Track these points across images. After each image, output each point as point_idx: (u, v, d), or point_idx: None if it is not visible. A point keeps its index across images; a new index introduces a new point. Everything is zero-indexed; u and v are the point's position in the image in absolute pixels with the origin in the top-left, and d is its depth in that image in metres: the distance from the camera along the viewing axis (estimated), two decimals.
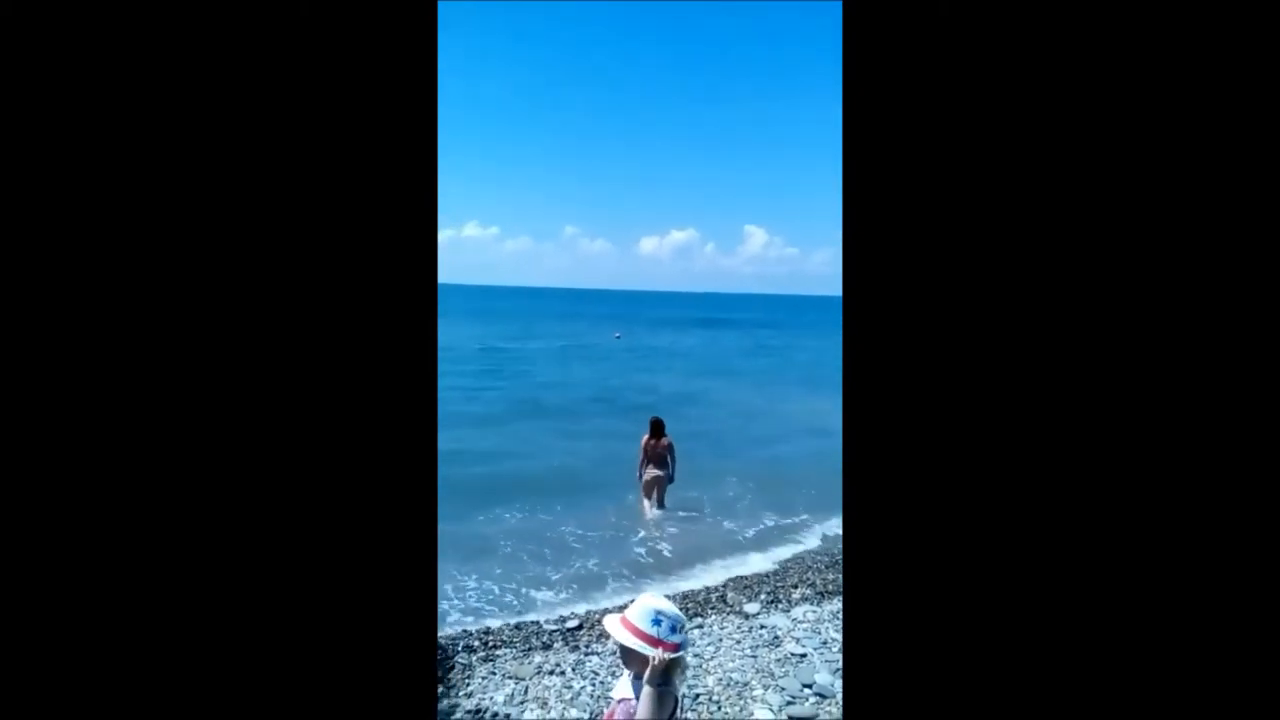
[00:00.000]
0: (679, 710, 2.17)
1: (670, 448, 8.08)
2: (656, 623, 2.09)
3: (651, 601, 2.16)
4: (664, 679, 2.00)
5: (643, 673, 2.09)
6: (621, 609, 2.21)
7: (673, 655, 2.05)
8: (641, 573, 6.59)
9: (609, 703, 3.87)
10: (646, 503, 8.18)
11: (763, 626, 5.02)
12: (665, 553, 7.06)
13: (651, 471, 8.05)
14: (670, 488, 8.24)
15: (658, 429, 8.04)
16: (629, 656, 2.14)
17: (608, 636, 2.07)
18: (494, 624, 5.30)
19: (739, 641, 4.74)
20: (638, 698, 2.08)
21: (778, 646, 4.64)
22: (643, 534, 7.57)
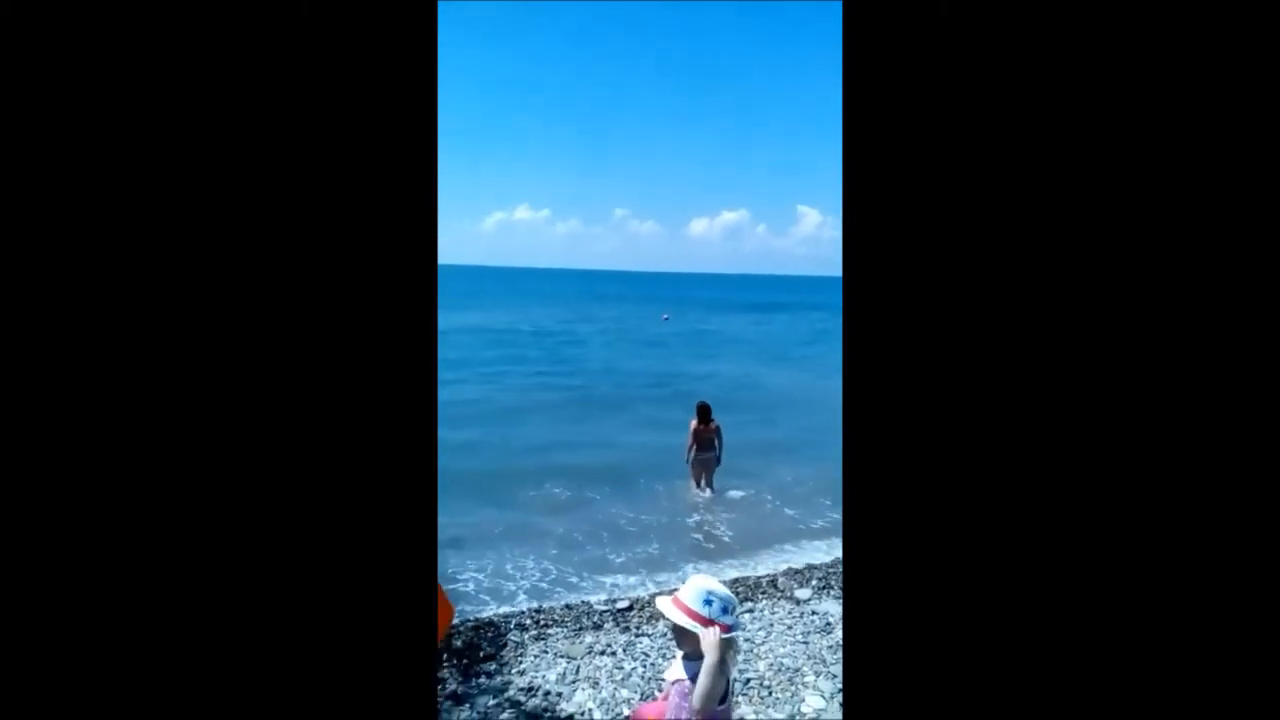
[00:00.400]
0: (730, 694, 2.17)
1: (718, 431, 8.35)
2: (708, 603, 2.10)
3: (703, 582, 2.17)
4: (717, 659, 2.01)
5: (694, 652, 2.10)
6: (673, 590, 2.22)
7: (725, 635, 2.05)
8: (695, 556, 6.62)
9: (661, 685, 3.91)
10: (695, 487, 8.37)
11: (814, 612, 4.97)
12: (723, 537, 7.08)
13: (700, 455, 8.32)
14: (719, 470, 8.40)
15: (705, 414, 8.33)
16: (681, 636, 2.15)
17: (660, 617, 2.10)
18: (546, 604, 5.39)
19: (790, 627, 4.71)
20: (691, 679, 2.09)
21: (830, 633, 4.60)
22: (696, 518, 7.61)
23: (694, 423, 8.33)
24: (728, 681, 2.10)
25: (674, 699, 2.16)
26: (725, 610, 2.13)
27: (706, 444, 8.28)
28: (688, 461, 8.42)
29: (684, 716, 2.07)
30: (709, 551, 6.72)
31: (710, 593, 2.14)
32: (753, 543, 6.91)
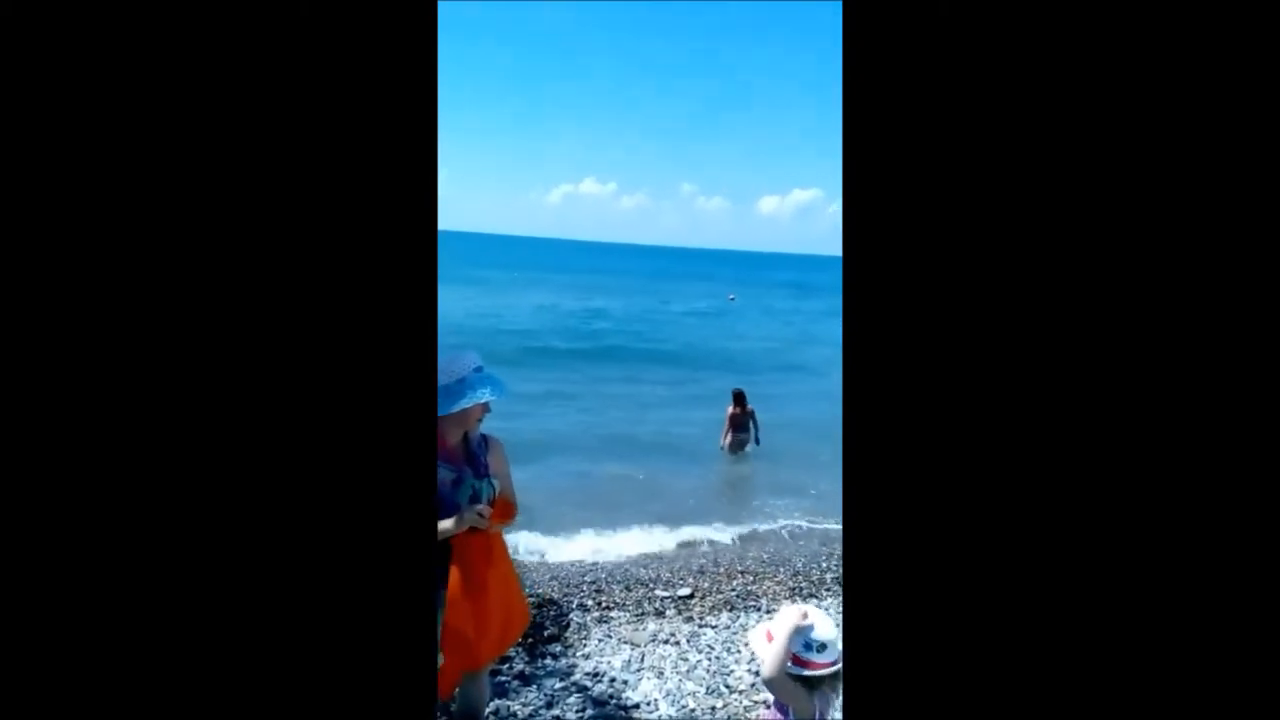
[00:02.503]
0: None
1: (752, 414, 9.43)
2: (808, 646, 1.96)
3: (794, 620, 1.99)
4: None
5: (791, 702, 1.96)
6: (768, 617, 2.10)
7: (822, 672, 1.93)
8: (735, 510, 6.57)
9: (724, 679, 3.87)
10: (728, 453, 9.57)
11: None
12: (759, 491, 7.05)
13: (735, 436, 9.39)
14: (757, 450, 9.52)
15: (740, 399, 9.42)
16: (777, 687, 1.99)
17: (759, 673, 1.97)
18: (605, 583, 5.42)
19: None
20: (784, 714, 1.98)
21: None
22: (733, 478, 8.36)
23: (730, 408, 9.36)
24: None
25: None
26: (823, 649, 1.99)
27: (742, 426, 9.34)
28: (723, 446, 9.45)
29: None
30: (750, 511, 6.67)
31: (807, 635, 1.98)
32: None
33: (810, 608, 2.00)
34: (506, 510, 2.78)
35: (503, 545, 2.87)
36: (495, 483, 2.77)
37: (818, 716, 1.92)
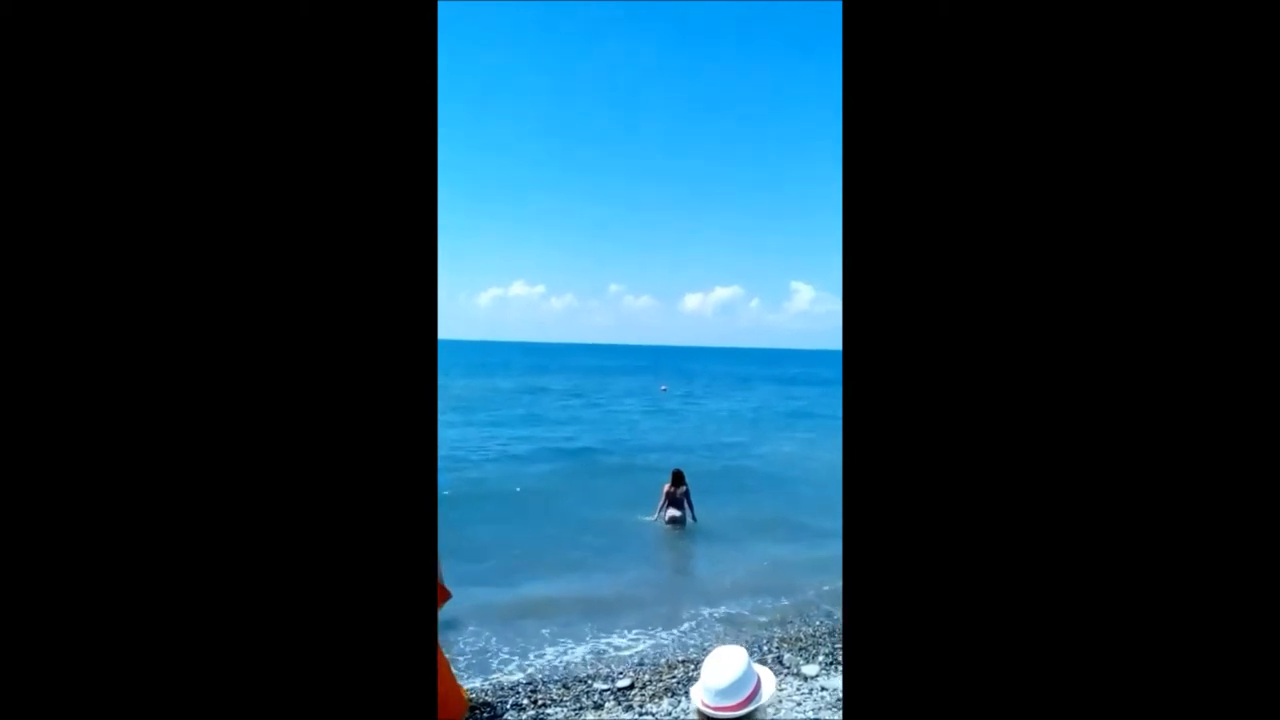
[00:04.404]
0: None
1: (687, 493, 9.78)
2: (714, 694, 1.97)
3: (718, 674, 1.99)
4: None
5: None
6: (698, 674, 2.10)
7: (729, 715, 1.94)
8: (686, 602, 6.42)
9: None
10: (664, 524, 9.69)
11: (824, 689, 4.78)
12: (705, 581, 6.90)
13: (671, 513, 9.71)
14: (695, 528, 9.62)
15: (677, 478, 9.82)
16: None
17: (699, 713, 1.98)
18: (541, 676, 5.17)
19: (799, 704, 4.52)
20: None
21: (841, 710, 4.41)
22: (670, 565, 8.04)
23: (667, 485, 9.78)
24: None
25: None
26: (745, 685, 2.00)
27: (677, 504, 9.71)
28: (656, 519, 9.75)
29: None
30: (694, 599, 6.53)
31: (729, 680, 1.99)
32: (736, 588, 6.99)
33: (717, 653, 2.03)
34: (440, 594, 2.71)
35: (435, 630, 2.77)
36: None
37: None
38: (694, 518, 9.83)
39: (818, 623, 6.52)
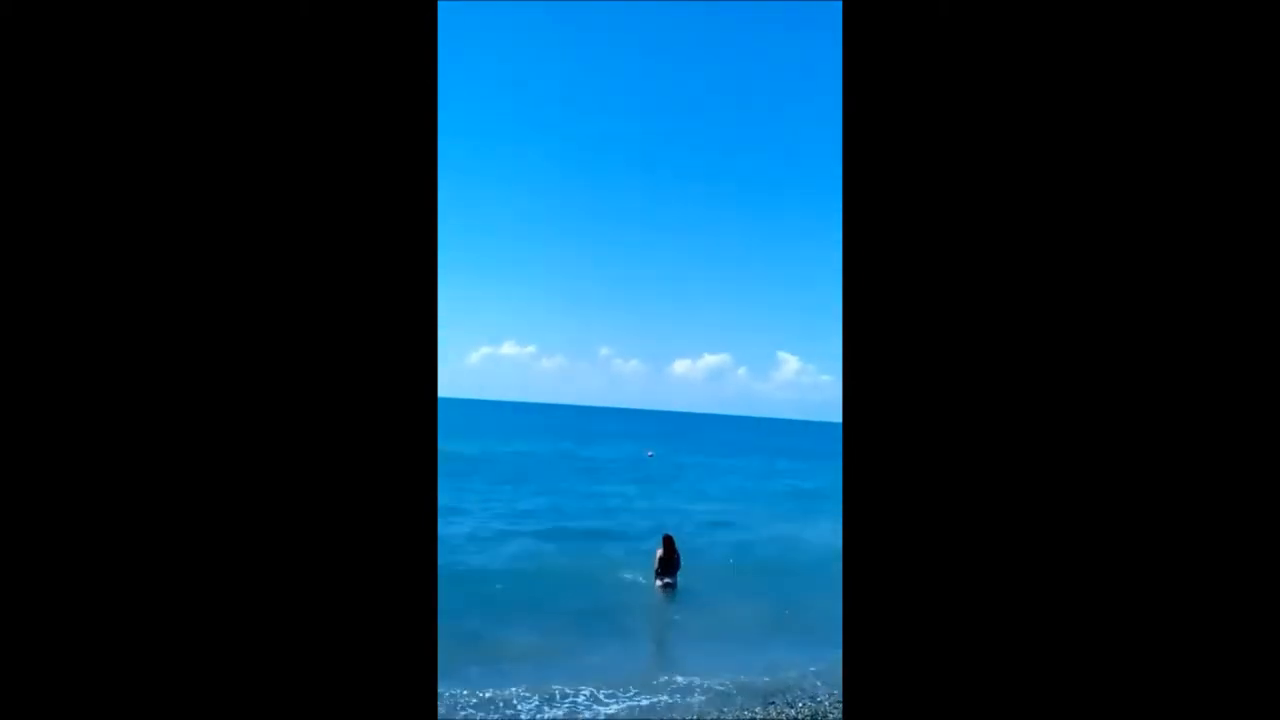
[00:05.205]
0: None
1: (677, 559, 10.03)
2: None
3: None
4: None
5: None
6: None
7: None
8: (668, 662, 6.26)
9: None
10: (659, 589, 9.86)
11: None
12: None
13: (664, 580, 9.98)
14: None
15: (669, 544, 10.08)
16: None
17: None
18: None
19: None
20: None
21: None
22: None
23: (659, 551, 10.03)
24: None
25: None
26: None
27: (669, 569, 9.91)
28: (653, 582, 9.91)
29: None
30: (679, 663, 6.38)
31: None
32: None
33: None
34: None
35: None
36: None
37: None
38: (675, 582, 9.98)
39: (800, 705, 6.39)
